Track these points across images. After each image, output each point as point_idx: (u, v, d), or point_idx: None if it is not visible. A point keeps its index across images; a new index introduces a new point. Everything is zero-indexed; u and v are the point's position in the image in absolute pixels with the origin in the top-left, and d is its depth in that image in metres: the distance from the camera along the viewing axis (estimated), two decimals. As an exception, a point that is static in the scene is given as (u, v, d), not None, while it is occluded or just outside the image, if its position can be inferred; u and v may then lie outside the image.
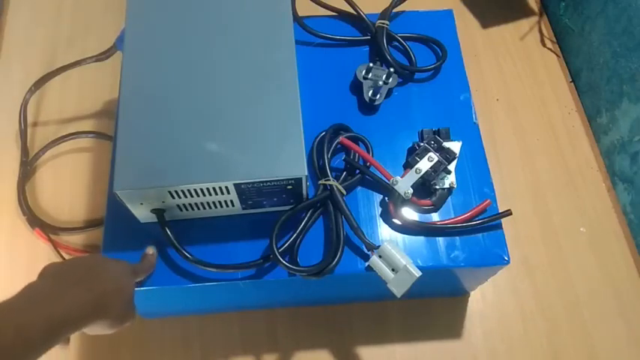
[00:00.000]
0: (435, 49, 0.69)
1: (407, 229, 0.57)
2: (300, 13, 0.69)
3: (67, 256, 0.73)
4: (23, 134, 0.80)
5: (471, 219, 0.57)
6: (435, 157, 0.57)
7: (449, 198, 0.59)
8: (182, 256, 0.52)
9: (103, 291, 0.43)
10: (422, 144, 0.59)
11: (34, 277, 0.74)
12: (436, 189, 0.58)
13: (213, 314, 0.71)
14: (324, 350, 0.69)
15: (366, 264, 0.55)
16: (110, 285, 0.44)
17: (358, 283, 0.61)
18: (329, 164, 0.57)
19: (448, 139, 0.60)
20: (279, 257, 0.52)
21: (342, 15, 0.71)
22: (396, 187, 0.56)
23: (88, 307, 0.41)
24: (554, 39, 0.95)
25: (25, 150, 0.80)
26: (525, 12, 0.98)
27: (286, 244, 0.53)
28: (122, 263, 0.49)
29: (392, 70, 0.63)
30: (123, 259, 0.54)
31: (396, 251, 0.53)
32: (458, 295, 0.73)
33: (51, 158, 0.82)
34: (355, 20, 0.70)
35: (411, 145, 0.61)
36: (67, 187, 0.80)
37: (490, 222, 0.57)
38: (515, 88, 0.90)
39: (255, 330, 0.70)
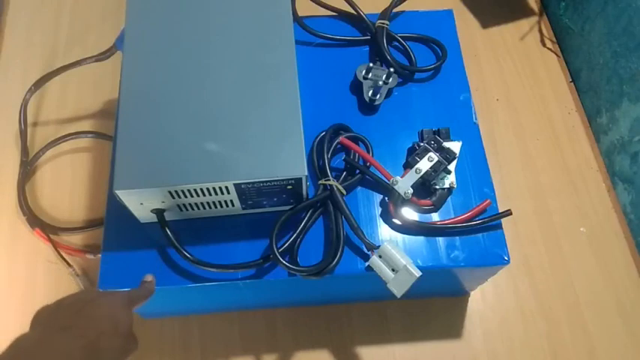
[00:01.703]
0: (435, 49, 0.69)
1: (407, 229, 0.57)
2: (300, 13, 0.69)
3: (67, 257, 0.73)
4: (23, 134, 0.80)
5: (471, 219, 0.57)
6: (435, 157, 0.57)
7: (449, 198, 0.59)
8: (182, 256, 0.52)
9: (97, 333, 0.41)
10: (422, 144, 0.59)
11: (33, 278, 0.75)
12: (436, 189, 0.58)
13: (213, 314, 0.71)
14: (324, 350, 0.69)
15: (366, 264, 0.55)
16: (104, 324, 0.42)
17: (358, 283, 0.61)
18: (329, 164, 0.57)
19: (448, 139, 0.60)
20: (279, 257, 0.52)
21: (342, 15, 0.71)
22: (396, 187, 0.56)
23: (78, 354, 0.39)
24: (554, 39, 0.95)
25: (25, 150, 0.80)
26: (525, 12, 0.98)
27: (286, 244, 0.53)
28: (116, 295, 0.46)
29: (392, 70, 0.63)
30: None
31: (396, 251, 0.53)
32: (458, 295, 0.73)
33: (51, 158, 0.82)
34: (355, 20, 0.70)
35: (411, 145, 0.61)
36: (67, 187, 0.80)
37: (490, 222, 0.57)
38: (515, 88, 0.90)
39: (255, 330, 0.70)
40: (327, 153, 0.58)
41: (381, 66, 0.65)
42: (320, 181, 0.56)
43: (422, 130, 0.62)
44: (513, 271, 0.75)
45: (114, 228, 0.56)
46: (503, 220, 0.57)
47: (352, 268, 0.55)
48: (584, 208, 0.80)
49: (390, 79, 0.63)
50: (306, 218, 0.56)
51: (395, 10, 0.70)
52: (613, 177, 0.82)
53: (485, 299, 0.73)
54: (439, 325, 0.71)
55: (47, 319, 0.41)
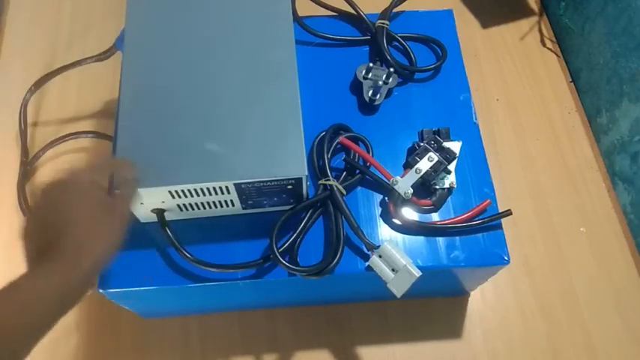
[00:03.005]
0: (435, 49, 0.69)
1: (407, 229, 0.57)
2: (300, 13, 0.69)
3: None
4: (23, 134, 0.80)
5: (471, 219, 0.57)
6: (435, 157, 0.57)
7: (449, 198, 0.59)
8: (182, 256, 0.52)
9: (79, 244, 0.39)
10: (422, 144, 0.59)
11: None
12: (436, 189, 0.58)
13: (213, 314, 0.71)
14: (324, 350, 0.69)
15: (366, 264, 0.55)
16: (80, 230, 0.40)
17: (358, 283, 0.61)
18: (329, 164, 0.57)
19: (448, 139, 0.60)
20: (279, 257, 0.52)
21: (342, 15, 0.71)
22: (396, 187, 0.56)
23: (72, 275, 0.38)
24: (554, 39, 0.95)
25: (25, 150, 0.80)
26: (525, 12, 0.98)
27: (286, 244, 0.53)
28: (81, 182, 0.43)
29: (392, 70, 0.63)
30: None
31: (396, 251, 0.53)
32: (458, 295, 0.73)
33: (51, 158, 0.82)
34: (355, 20, 0.70)
35: (411, 145, 0.61)
36: (67, 187, 0.80)
37: (490, 222, 0.57)
38: (515, 88, 0.90)
39: (255, 330, 0.70)
40: (327, 153, 0.58)
41: (381, 66, 0.65)
42: (320, 181, 0.56)
43: (422, 130, 0.62)
44: (513, 271, 0.75)
45: (114, 228, 0.56)
46: (503, 220, 0.57)
47: (352, 268, 0.55)
48: (584, 208, 0.80)
49: (390, 79, 0.63)
50: (306, 218, 0.56)
51: (395, 10, 0.70)
52: (613, 177, 0.82)
53: (485, 299, 0.73)
54: (439, 325, 0.71)
55: (30, 242, 0.42)
